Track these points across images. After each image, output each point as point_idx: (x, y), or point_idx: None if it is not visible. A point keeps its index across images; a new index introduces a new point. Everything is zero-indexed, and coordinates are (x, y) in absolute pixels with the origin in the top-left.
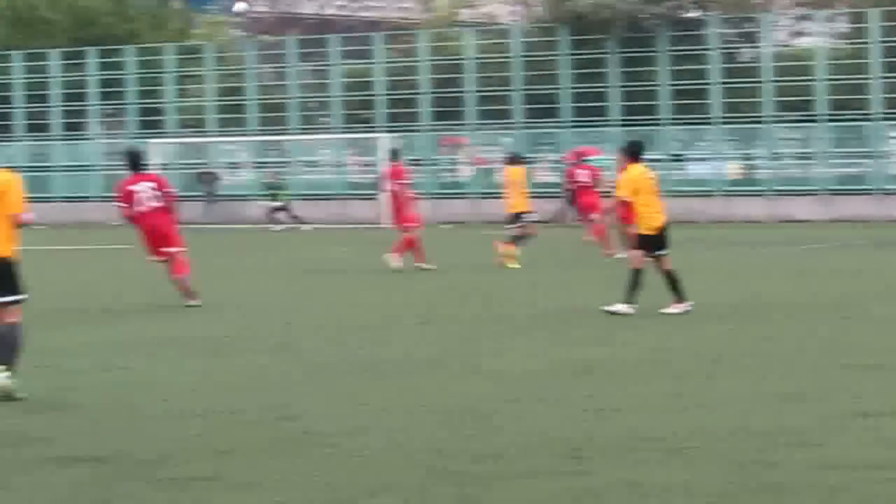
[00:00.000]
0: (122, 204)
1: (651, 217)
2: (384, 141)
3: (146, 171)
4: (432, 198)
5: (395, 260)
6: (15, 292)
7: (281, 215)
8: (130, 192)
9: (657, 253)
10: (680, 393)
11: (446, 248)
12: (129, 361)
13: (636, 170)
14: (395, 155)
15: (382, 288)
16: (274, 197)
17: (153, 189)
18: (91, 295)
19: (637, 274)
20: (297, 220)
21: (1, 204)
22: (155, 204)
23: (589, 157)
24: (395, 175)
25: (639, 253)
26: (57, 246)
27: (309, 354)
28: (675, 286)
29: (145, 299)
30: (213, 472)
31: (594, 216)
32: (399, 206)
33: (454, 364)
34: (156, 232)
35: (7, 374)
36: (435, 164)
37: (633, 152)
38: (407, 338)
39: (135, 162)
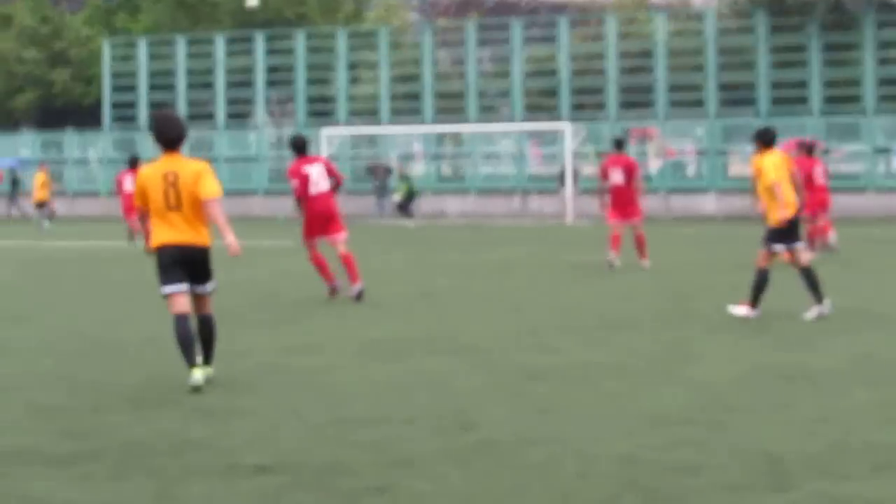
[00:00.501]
0: (295, 184)
1: (784, 207)
2: (568, 131)
3: (313, 155)
4: None
5: (644, 264)
6: (211, 280)
7: (402, 208)
8: (306, 175)
9: (792, 246)
10: (886, 403)
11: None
12: (299, 363)
13: (776, 155)
14: (619, 145)
15: (572, 287)
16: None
17: (322, 172)
18: (257, 294)
19: (764, 274)
20: (404, 213)
21: (195, 191)
22: (323, 188)
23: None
24: (626, 167)
25: (767, 251)
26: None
27: (493, 357)
28: (813, 286)
29: (314, 298)
30: (387, 483)
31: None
32: (628, 199)
33: (648, 369)
34: (322, 215)
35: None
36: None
37: (769, 139)
38: (593, 341)
39: (301, 146)
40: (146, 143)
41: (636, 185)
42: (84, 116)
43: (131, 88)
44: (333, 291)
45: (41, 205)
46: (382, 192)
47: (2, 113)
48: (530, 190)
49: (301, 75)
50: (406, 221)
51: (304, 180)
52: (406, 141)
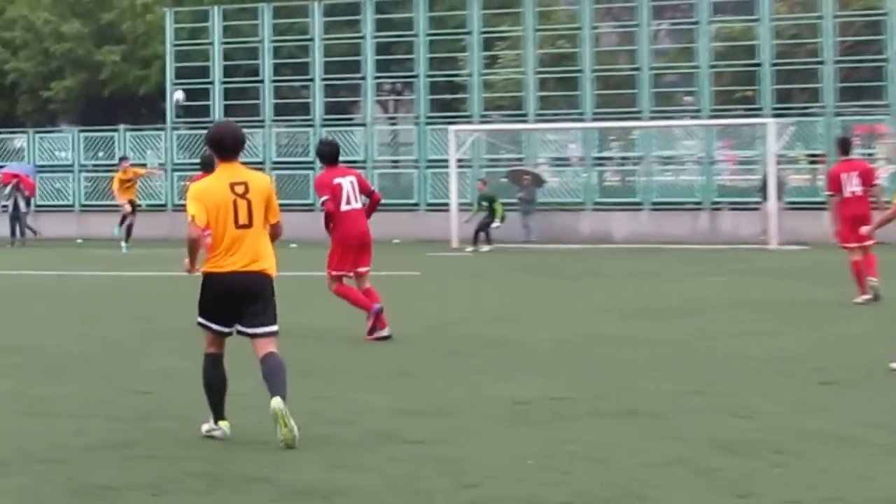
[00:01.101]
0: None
1: None
2: (771, 128)
3: (344, 166)
4: None
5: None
6: (273, 321)
7: (481, 232)
8: (338, 186)
9: None
10: None
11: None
12: (420, 430)
13: None
14: (846, 147)
15: (778, 330)
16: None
17: (352, 185)
18: (359, 340)
19: None
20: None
21: (260, 211)
22: (355, 205)
23: None
24: (863, 173)
25: None
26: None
27: (673, 423)
28: None
29: (438, 344)
30: None
31: None
32: (864, 213)
33: (891, 442)
34: (358, 241)
35: (279, 399)
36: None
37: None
38: (805, 402)
39: (331, 154)
40: None
41: (875, 196)
42: (139, 108)
43: (202, 72)
44: (378, 317)
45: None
46: (528, 206)
47: (35, 104)
48: (721, 204)
49: (422, 55)
50: (477, 245)
51: (336, 192)
52: (558, 141)
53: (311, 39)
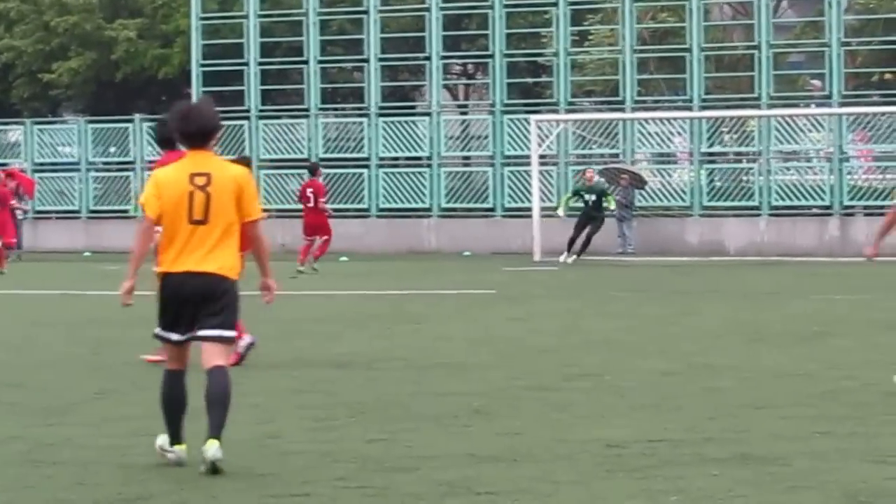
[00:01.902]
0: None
1: None
2: None
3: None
4: None
5: None
6: (224, 325)
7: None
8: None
9: None
10: None
11: None
12: (494, 478)
13: None
14: None
15: None
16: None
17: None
18: (417, 371)
19: None
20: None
21: (222, 207)
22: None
23: None
24: None
25: None
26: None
27: (798, 470)
28: None
29: (509, 375)
30: None
31: None
32: None
33: None
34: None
35: (217, 446)
36: None
37: None
38: None
39: None
40: (257, 135)
41: None
42: (158, 95)
43: (234, 51)
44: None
45: None
46: (626, 212)
47: (33, 89)
48: (854, 209)
49: (498, 31)
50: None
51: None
52: (661, 133)
53: (366, 12)
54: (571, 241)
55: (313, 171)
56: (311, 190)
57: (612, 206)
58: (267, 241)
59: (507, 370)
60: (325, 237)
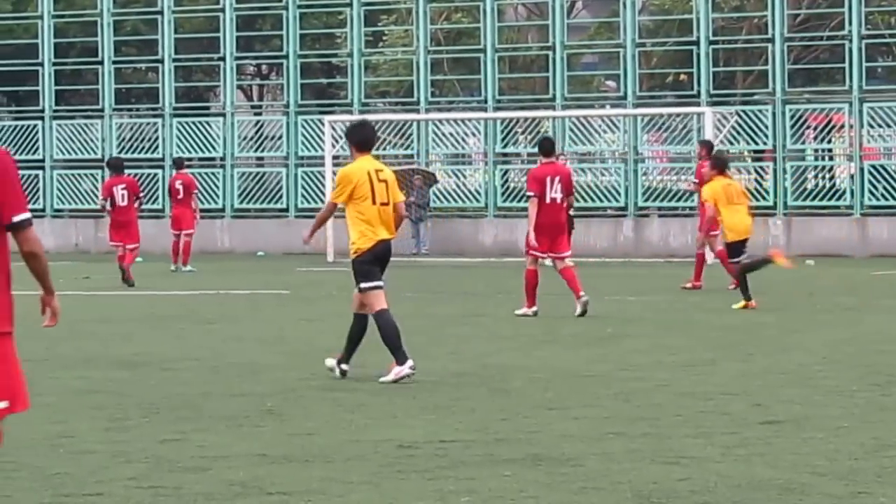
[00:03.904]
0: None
1: None
2: (709, 118)
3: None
4: None
5: None
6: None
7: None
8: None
9: None
10: None
11: None
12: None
13: None
14: None
15: None
16: None
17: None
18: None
19: None
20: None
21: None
22: None
23: None
24: None
25: None
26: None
27: None
28: None
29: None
30: None
31: None
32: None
33: None
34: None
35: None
36: None
37: None
38: None
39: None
40: (51, 135)
41: None
42: None
43: (28, 52)
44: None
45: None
46: (419, 212)
47: None
48: (649, 210)
49: (292, 31)
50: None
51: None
52: (455, 134)
53: (160, 12)
54: None
55: (179, 165)
56: (179, 182)
57: None
58: None
59: (299, 371)
60: (189, 232)
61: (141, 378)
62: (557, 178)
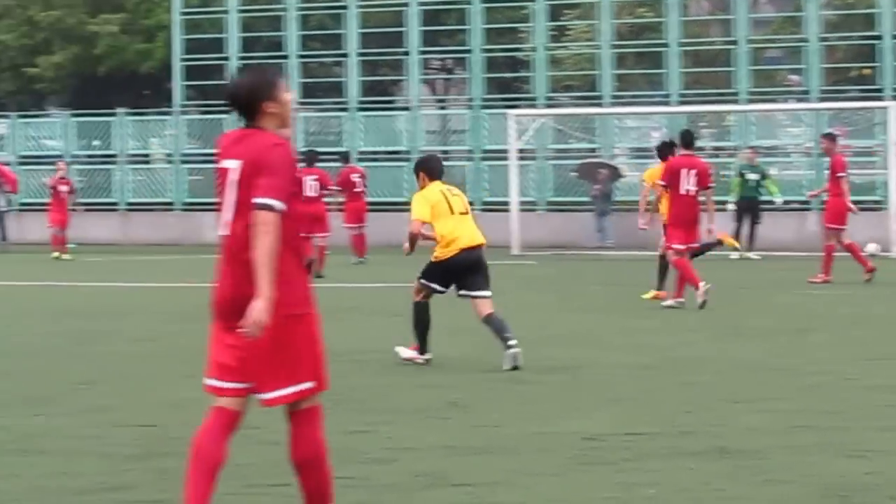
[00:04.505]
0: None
1: None
2: (893, 112)
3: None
4: None
5: None
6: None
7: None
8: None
9: None
10: None
11: None
12: None
13: None
14: None
15: None
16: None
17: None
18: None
19: None
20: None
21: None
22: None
23: None
24: None
25: None
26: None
27: None
28: None
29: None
30: None
31: None
32: None
33: None
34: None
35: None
36: None
37: None
38: None
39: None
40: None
41: None
42: (140, 89)
43: (215, 46)
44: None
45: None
46: (604, 206)
47: (18, 83)
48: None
49: (477, 26)
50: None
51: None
52: (639, 128)
53: (345, 7)
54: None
55: (346, 158)
56: (357, 175)
57: (775, 190)
58: None
59: (483, 364)
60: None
61: (329, 369)
62: (693, 172)
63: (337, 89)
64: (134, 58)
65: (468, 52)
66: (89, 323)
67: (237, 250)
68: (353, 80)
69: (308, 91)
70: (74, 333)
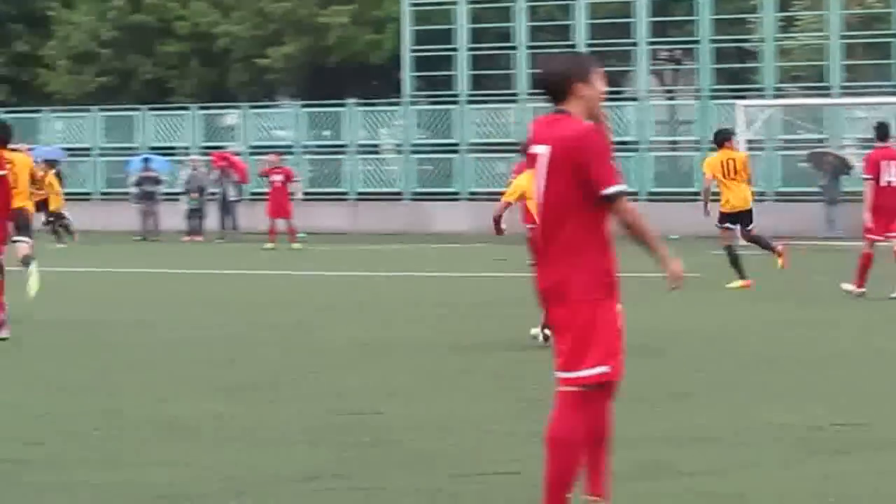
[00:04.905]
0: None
1: None
2: None
3: None
4: None
5: None
6: None
7: None
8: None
9: None
10: None
11: None
12: None
13: None
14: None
15: None
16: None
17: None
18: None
19: None
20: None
21: None
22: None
23: None
24: None
25: None
26: None
27: None
28: None
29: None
30: None
31: None
32: None
33: None
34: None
35: None
36: None
37: None
38: None
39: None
40: (465, 120)
41: None
42: (370, 80)
43: (444, 37)
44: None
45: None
46: (833, 195)
47: (249, 74)
48: None
49: (705, 17)
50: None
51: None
52: (868, 119)
53: (568, 7)
54: None
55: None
56: None
57: None
58: None
59: (707, 354)
60: None
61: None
62: (893, 163)
63: None
64: (364, 49)
65: (696, 42)
66: (312, 311)
67: (550, 236)
68: None
69: (536, 82)
70: (297, 322)
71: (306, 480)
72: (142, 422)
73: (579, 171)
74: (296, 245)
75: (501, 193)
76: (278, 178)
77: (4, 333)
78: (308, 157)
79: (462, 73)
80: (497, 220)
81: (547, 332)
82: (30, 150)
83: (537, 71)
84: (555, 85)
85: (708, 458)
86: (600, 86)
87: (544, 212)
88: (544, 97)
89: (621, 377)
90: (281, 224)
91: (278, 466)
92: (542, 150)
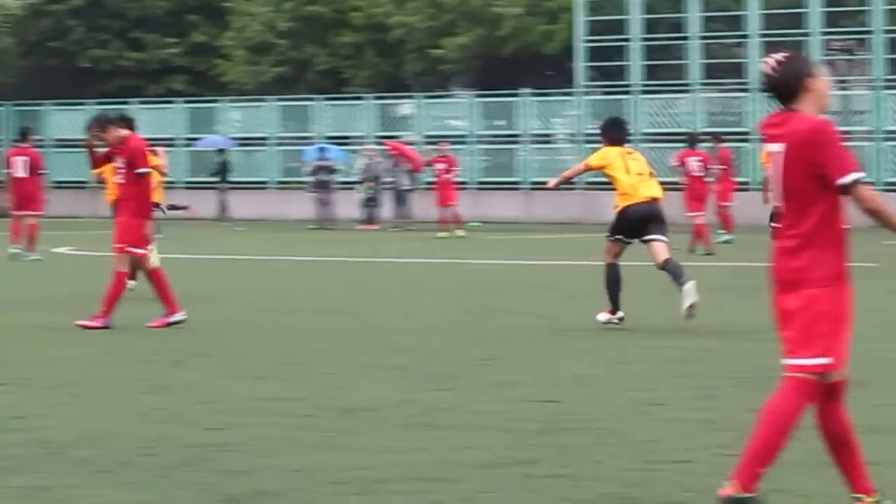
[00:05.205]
0: None
1: None
2: None
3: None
4: None
5: None
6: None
7: None
8: None
9: None
10: None
11: None
12: None
13: None
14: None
15: None
16: None
17: None
18: None
19: None
20: None
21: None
22: None
23: None
24: None
25: None
26: None
27: None
28: None
29: None
30: None
31: None
32: None
33: None
34: None
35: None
36: None
37: None
38: None
39: None
40: (639, 110)
41: None
42: (543, 70)
43: (617, 27)
44: None
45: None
46: None
47: (423, 64)
48: None
49: (878, 6)
50: None
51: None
52: None
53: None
54: None
55: (719, 139)
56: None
57: None
58: None
59: (888, 343)
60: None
61: (729, 347)
62: None
63: (737, 70)
64: (537, 39)
65: (869, 32)
66: (492, 300)
67: (789, 227)
68: (753, 61)
69: (709, 72)
70: (477, 310)
71: (490, 467)
72: (324, 408)
73: (816, 165)
74: (459, 232)
75: (671, 183)
76: (441, 166)
77: (179, 316)
78: (482, 146)
79: (635, 63)
80: (564, 180)
81: (620, 314)
82: (195, 140)
83: (766, 72)
84: (789, 85)
85: (888, 448)
86: (825, 83)
87: (785, 205)
88: (773, 98)
89: (846, 374)
90: (449, 212)
91: (463, 453)
92: (776, 148)
